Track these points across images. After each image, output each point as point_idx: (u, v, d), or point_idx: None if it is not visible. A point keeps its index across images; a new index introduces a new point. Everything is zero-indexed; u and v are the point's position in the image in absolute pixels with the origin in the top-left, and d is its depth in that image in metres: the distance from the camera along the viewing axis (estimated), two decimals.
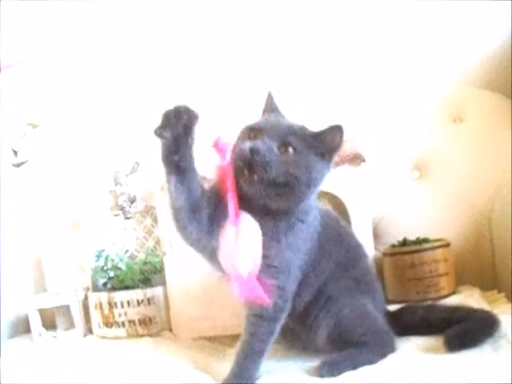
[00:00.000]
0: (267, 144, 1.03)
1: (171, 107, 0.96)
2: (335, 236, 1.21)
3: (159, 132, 0.96)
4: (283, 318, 1.12)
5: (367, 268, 1.26)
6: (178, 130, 0.96)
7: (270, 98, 1.19)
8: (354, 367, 1.07)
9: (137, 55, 1.85)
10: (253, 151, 1.01)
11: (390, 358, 1.11)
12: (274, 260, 1.08)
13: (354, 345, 1.12)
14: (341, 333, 1.13)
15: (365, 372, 1.06)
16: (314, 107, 1.74)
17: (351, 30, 1.80)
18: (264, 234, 1.02)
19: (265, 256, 1.04)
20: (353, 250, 1.24)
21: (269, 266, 1.08)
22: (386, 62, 1.78)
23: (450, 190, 1.70)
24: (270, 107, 1.18)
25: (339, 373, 1.05)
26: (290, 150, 1.04)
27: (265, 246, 1.03)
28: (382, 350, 1.13)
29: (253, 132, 1.08)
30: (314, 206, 1.17)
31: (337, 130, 1.06)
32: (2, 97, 1.81)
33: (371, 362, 1.09)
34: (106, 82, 1.86)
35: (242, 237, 0.98)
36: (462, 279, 1.58)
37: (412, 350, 1.14)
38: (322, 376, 1.05)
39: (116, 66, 1.85)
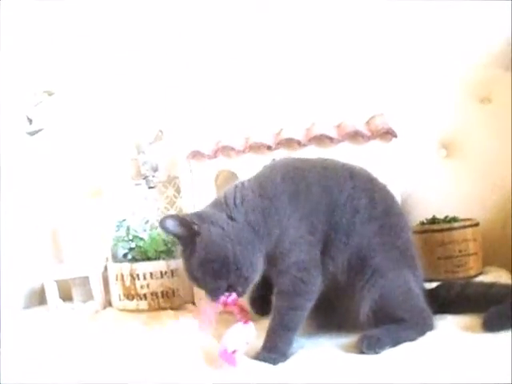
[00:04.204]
0: None
1: None
2: (364, 190, 1.17)
3: None
4: (311, 292, 1.11)
5: (411, 241, 1.21)
6: None
7: None
8: (395, 343, 1.05)
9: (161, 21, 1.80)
10: None
11: (429, 335, 1.09)
12: (278, 247, 1.11)
13: (395, 321, 1.10)
14: (384, 307, 1.10)
15: (404, 349, 1.03)
16: (347, 82, 1.74)
17: (385, 7, 1.77)
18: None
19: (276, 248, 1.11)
20: (396, 215, 1.19)
21: (278, 254, 1.11)
22: (419, 42, 1.76)
23: (476, 170, 1.69)
24: None
25: (380, 348, 1.03)
26: None
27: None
28: (422, 327, 1.11)
29: None
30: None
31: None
32: (16, 63, 1.76)
33: (411, 339, 1.07)
34: (128, 47, 1.80)
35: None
36: (488, 260, 1.56)
37: (450, 329, 1.11)
38: (361, 351, 1.03)
39: (140, 30, 1.80)
